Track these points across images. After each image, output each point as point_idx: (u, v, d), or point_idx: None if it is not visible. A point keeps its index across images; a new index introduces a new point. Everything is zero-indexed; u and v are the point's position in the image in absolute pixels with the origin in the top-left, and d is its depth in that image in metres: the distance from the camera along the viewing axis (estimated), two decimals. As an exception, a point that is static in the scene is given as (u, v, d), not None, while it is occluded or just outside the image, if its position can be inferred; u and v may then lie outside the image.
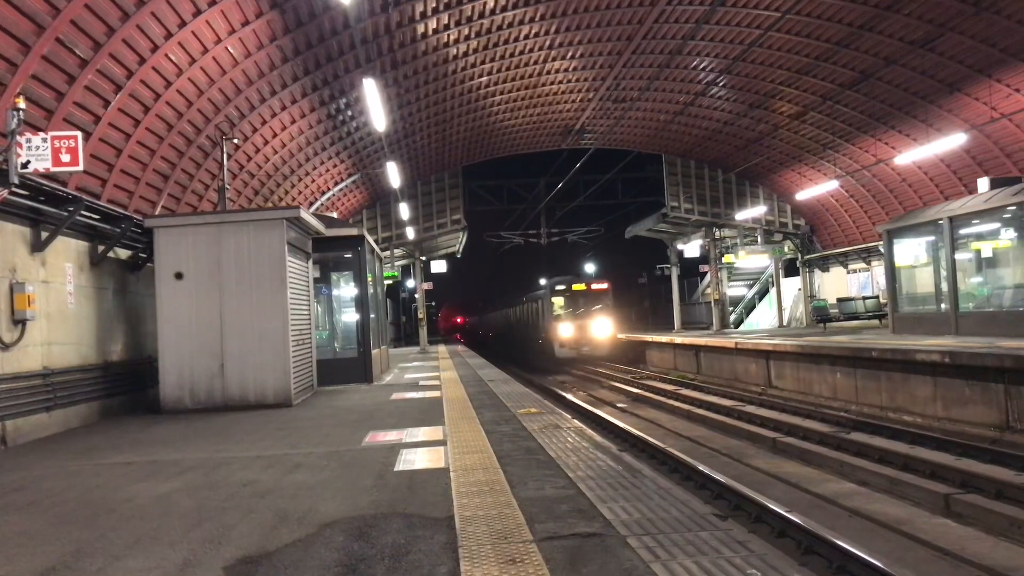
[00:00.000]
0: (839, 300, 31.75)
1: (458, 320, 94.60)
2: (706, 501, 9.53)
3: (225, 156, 16.77)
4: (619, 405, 22.03)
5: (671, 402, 20.93)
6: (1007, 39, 20.83)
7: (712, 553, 4.37)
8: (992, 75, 22.36)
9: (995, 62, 21.86)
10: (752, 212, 35.43)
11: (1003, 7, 19.71)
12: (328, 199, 29.74)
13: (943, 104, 24.72)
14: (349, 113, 24.09)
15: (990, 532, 8.49)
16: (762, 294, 43.94)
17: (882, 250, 23.66)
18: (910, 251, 22.12)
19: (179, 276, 12.89)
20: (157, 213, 16.55)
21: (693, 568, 4.15)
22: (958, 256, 19.40)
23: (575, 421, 10.15)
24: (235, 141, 18.36)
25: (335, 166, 27.59)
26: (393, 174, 23.59)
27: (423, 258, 40.19)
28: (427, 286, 40.03)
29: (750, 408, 17.97)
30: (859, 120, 28.24)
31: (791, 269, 40.52)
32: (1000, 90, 22.62)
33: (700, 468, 11.10)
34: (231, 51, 16.45)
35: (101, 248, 12.83)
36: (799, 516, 8.23)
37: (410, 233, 34.97)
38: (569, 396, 23.18)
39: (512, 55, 25.95)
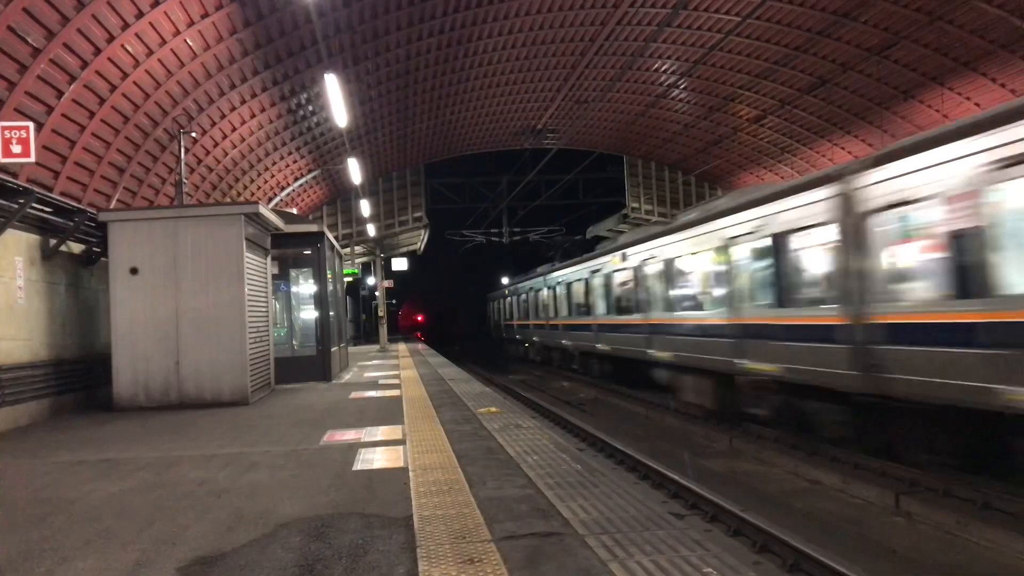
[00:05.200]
0: None
1: (419, 318, 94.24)
2: (663, 500, 9.62)
3: (183, 150, 16.51)
4: (581, 405, 22.09)
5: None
6: (958, 48, 21.40)
7: (669, 551, 4.42)
8: (944, 83, 22.96)
9: (947, 70, 22.44)
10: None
11: (955, 18, 20.25)
12: (288, 195, 29.42)
13: (898, 110, 25.30)
14: (310, 108, 23.86)
15: None
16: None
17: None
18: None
19: (134, 271, 12.66)
20: (112, 207, 16.23)
21: (650, 567, 4.19)
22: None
23: (535, 420, 10.17)
24: (193, 135, 18.07)
25: (295, 161, 27.31)
26: (354, 170, 23.42)
27: (384, 255, 39.96)
28: (388, 284, 39.83)
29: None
30: (817, 125, 28.77)
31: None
32: (952, 97, 23.23)
33: (657, 468, 11.19)
34: (190, 43, 16.19)
35: (53, 242, 12.53)
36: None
37: (371, 230, 34.73)
38: (530, 395, 23.21)
39: (475, 53, 25.94)
